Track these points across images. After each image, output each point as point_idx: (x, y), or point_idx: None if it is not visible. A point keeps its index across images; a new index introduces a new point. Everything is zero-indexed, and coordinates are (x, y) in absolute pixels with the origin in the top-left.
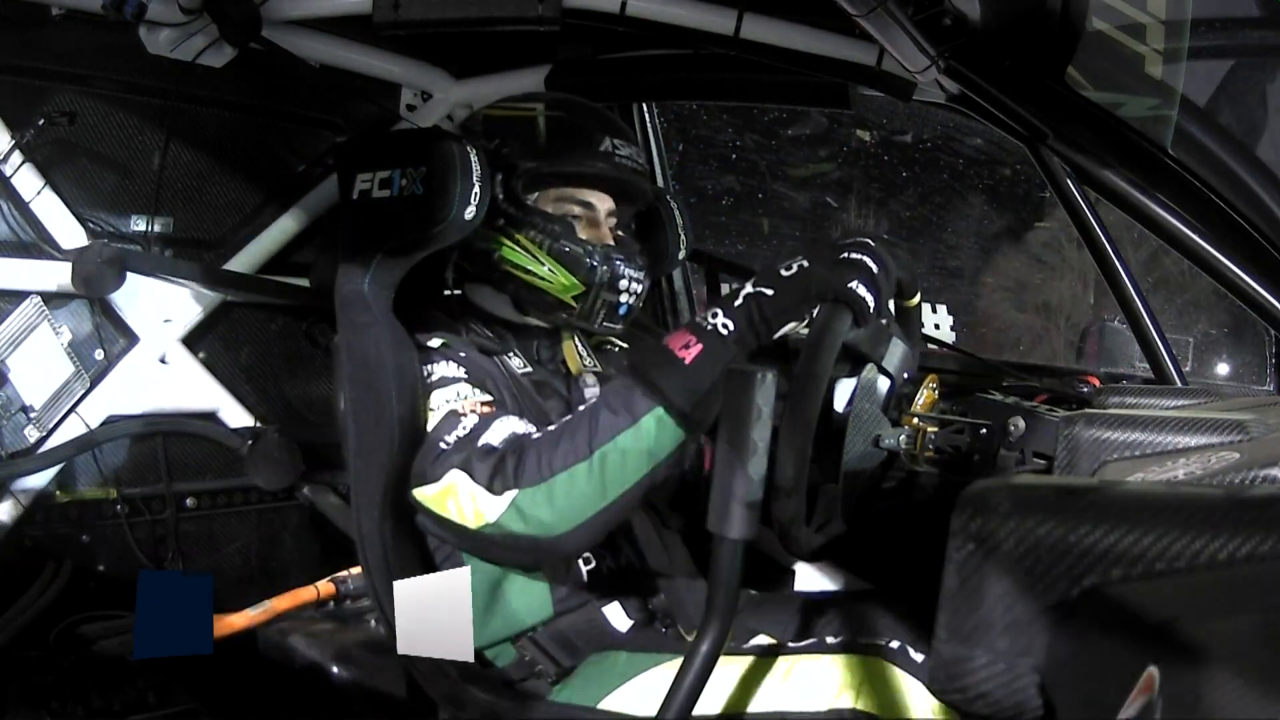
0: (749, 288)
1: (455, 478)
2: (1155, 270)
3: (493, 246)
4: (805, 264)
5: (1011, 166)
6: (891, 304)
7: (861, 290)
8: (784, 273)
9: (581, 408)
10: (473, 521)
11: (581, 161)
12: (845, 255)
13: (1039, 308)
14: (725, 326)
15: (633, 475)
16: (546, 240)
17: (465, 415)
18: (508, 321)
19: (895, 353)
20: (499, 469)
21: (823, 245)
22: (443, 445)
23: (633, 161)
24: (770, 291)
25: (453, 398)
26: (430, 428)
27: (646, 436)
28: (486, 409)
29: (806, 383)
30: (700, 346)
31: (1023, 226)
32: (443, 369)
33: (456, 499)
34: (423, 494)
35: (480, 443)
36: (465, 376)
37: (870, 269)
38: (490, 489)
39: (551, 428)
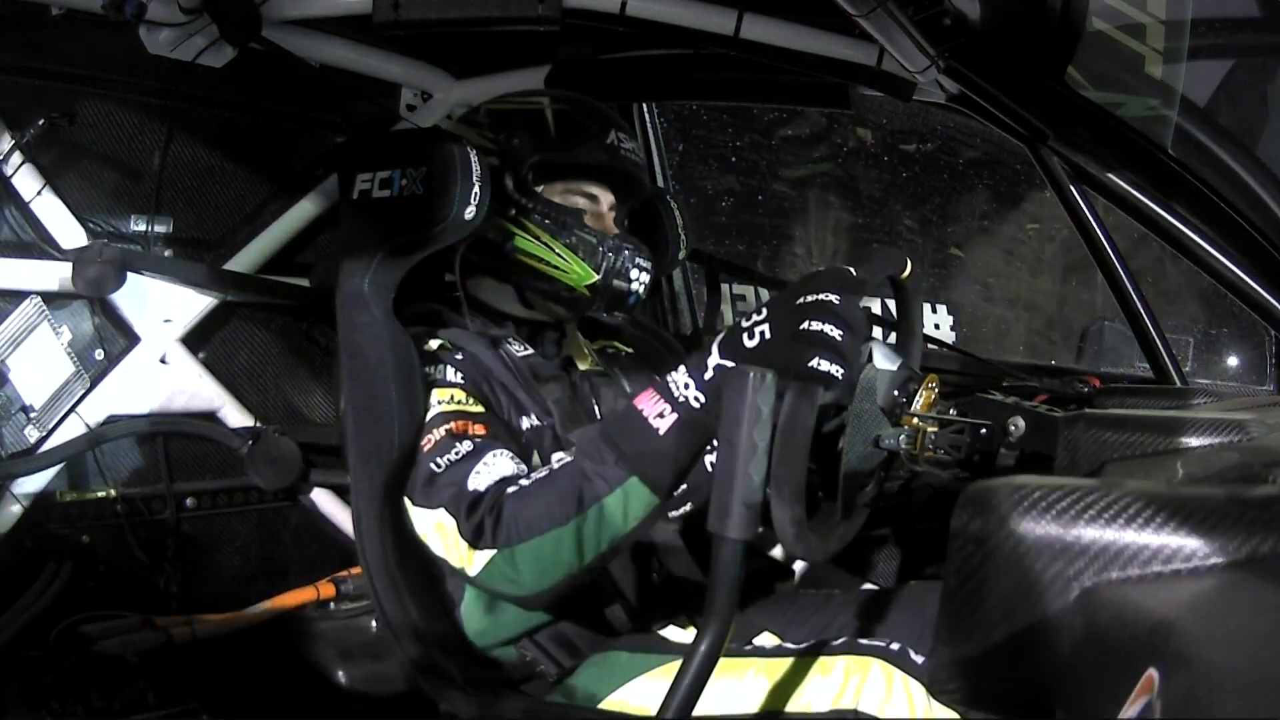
0: (715, 354)
1: (442, 518)
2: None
3: (504, 237)
4: (767, 333)
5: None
6: (885, 303)
7: (825, 365)
8: (747, 343)
9: (558, 465)
10: (457, 565)
11: (589, 153)
12: (805, 326)
13: (1008, 300)
14: (697, 400)
15: (608, 539)
16: (559, 229)
17: (460, 440)
18: (511, 316)
19: (881, 383)
20: (481, 527)
21: (784, 304)
22: (433, 467)
23: (635, 155)
24: (733, 366)
25: (446, 400)
26: (425, 436)
27: (621, 504)
28: (480, 430)
29: (786, 461)
30: (675, 417)
31: (982, 218)
32: (442, 371)
33: (444, 540)
34: (415, 516)
35: (469, 485)
36: (461, 382)
37: (833, 340)
38: (472, 544)
39: (532, 481)
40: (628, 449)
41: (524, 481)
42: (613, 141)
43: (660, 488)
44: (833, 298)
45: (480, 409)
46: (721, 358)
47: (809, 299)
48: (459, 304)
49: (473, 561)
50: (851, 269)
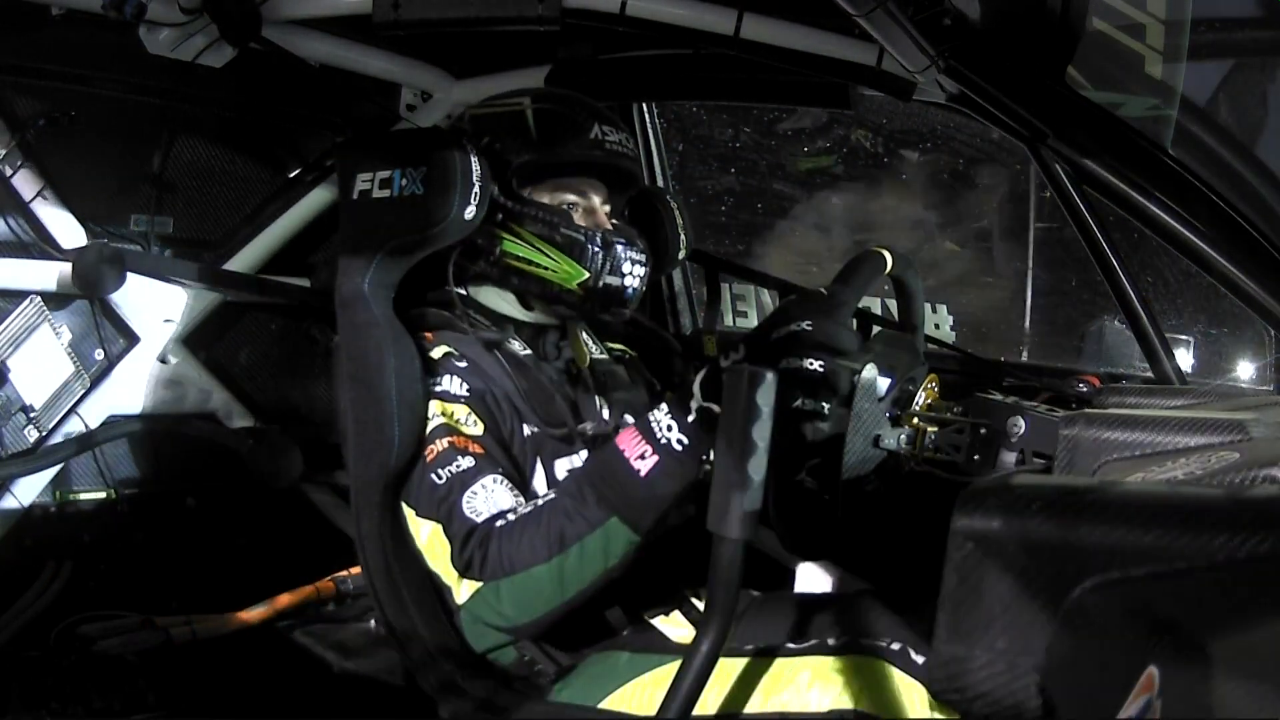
0: (697, 394)
1: (438, 536)
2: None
3: (493, 243)
4: None
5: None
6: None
7: (809, 403)
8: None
9: (543, 501)
10: (447, 584)
11: (573, 150)
12: (784, 365)
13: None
14: (680, 443)
15: (589, 575)
16: (547, 230)
17: (463, 455)
18: (513, 319)
19: (881, 383)
20: (470, 561)
21: (762, 340)
22: (434, 478)
23: (622, 147)
24: (718, 409)
25: (449, 415)
26: (427, 446)
27: (602, 543)
28: (479, 449)
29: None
30: (656, 459)
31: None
32: (447, 383)
33: (438, 560)
34: (413, 523)
35: (465, 512)
36: (466, 396)
37: (814, 374)
38: (462, 574)
39: (519, 517)
40: (608, 490)
41: (511, 517)
42: (596, 136)
43: (641, 528)
44: (808, 327)
45: (480, 429)
46: (704, 399)
47: (785, 333)
48: (461, 309)
49: (460, 589)
50: (823, 289)
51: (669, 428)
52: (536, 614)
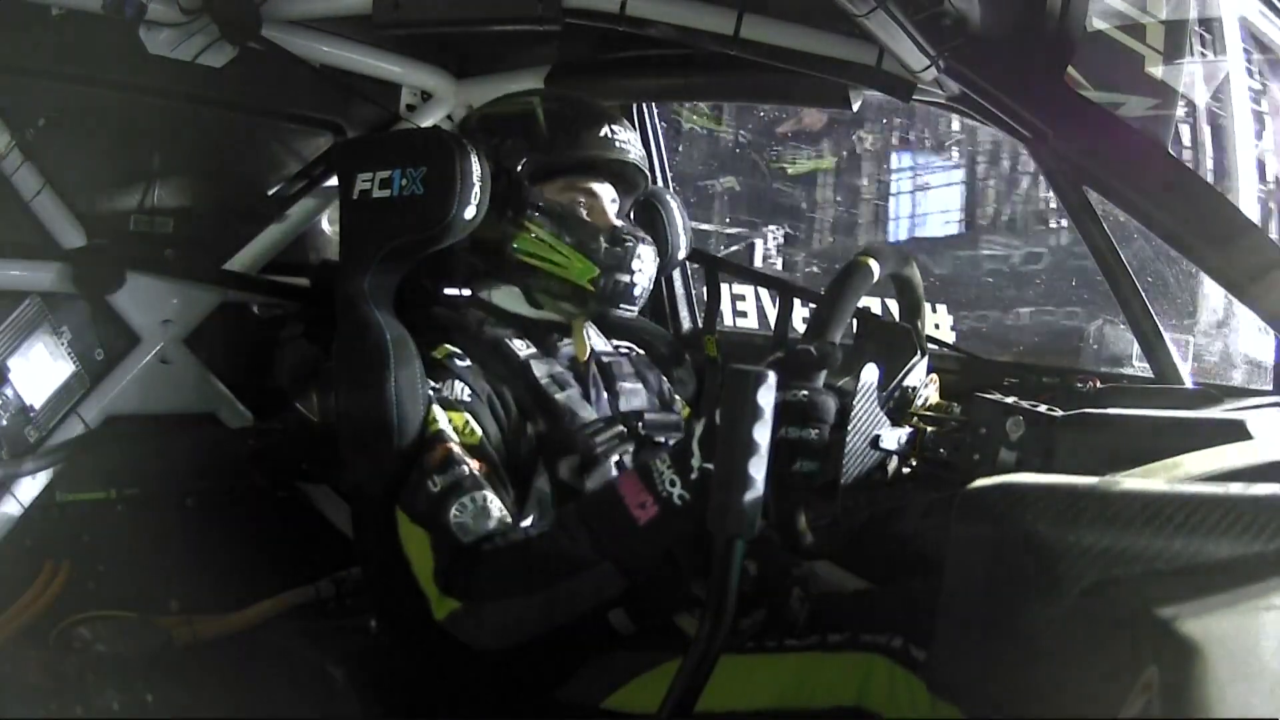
0: (697, 454)
1: (424, 548)
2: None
3: (505, 239)
4: None
5: None
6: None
7: (807, 466)
8: None
9: (536, 534)
10: (428, 595)
11: (584, 149)
12: (781, 434)
13: None
14: (682, 498)
15: (574, 613)
16: (558, 226)
17: (459, 464)
18: (519, 317)
19: (869, 412)
20: (453, 580)
21: None
22: (430, 485)
23: (631, 147)
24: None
25: (448, 421)
26: (423, 451)
27: (592, 585)
28: (474, 458)
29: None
30: (656, 510)
31: None
32: (447, 387)
33: (421, 570)
34: (404, 527)
35: (453, 528)
36: (468, 401)
37: (809, 441)
38: (442, 590)
39: (509, 544)
40: (604, 535)
41: (500, 542)
42: (605, 135)
43: (634, 573)
44: (802, 394)
45: (479, 437)
46: (705, 455)
47: (780, 401)
48: (465, 308)
49: (440, 605)
50: (810, 348)
51: (671, 482)
52: (513, 640)
